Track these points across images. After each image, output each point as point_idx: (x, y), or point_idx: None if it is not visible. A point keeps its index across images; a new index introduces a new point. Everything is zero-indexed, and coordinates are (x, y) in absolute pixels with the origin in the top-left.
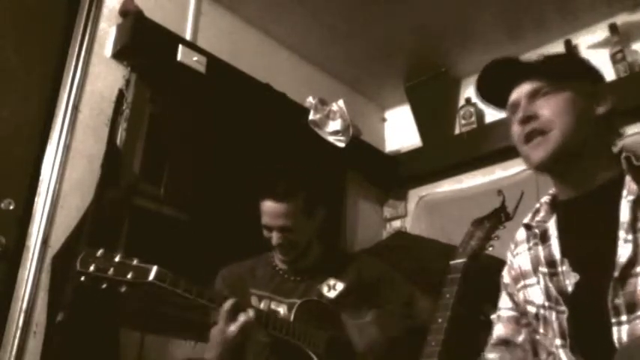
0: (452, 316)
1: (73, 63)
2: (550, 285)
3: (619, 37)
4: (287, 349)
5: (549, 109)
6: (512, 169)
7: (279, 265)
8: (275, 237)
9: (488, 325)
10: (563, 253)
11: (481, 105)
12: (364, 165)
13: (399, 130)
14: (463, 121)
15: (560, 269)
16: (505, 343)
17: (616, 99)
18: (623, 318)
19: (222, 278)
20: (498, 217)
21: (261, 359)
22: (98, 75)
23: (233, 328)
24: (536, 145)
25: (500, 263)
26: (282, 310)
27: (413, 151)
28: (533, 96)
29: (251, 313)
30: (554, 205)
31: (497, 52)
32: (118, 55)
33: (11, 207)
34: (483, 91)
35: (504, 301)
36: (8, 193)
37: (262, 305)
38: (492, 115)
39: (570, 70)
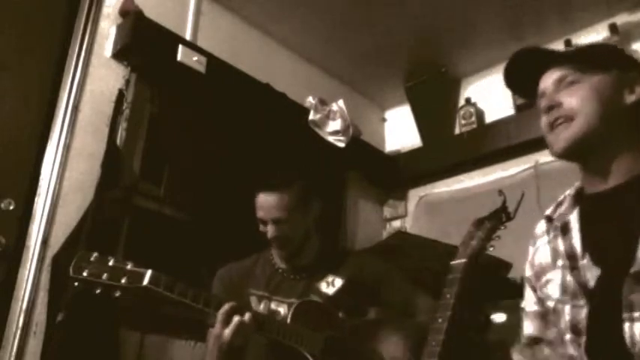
0: (452, 316)
1: (73, 63)
2: (568, 278)
3: (619, 37)
4: (283, 351)
5: (574, 96)
6: (512, 169)
7: (278, 264)
8: (270, 230)
9: (489, 325)
10: (585, 247)
11: (481, 105)
12: (364, 165)
13: (399, 130)
14: (463, 121)
15: (580, 263)
16: (535, 341)
17: None
18: (636, 314)
19: (219, 279)
20: (499, 218)
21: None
22: (98, 75)
23: (229, 331)
24: (559, 133)
25: (501, 263)
26: (282, 310)
27: (413, 151)
28: (558, 84)
29: (247, 315)
30: (579, 198)
31: (497, 52)
32: (118, 55)
33: (11, 207)
34: (511, 81)
35: (529, 296)
36: (8, 193)
37: (262, 306)
38: (492, 115)
39: (598, 58)
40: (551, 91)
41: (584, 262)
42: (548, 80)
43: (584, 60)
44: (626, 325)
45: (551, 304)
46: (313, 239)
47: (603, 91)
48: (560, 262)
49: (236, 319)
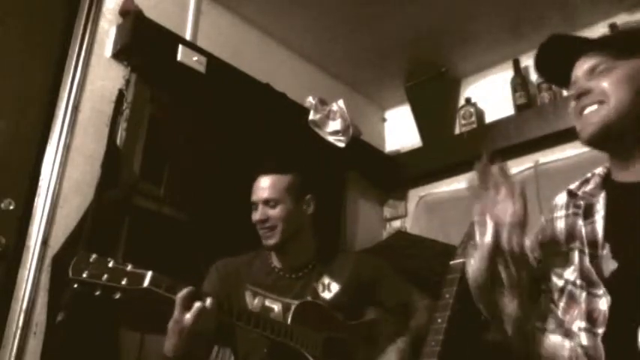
0: (451, 316)
1: (73, 63)
2: (587, 265)
3: None
4: (284, 352)
5: (605, 82)
6: (512, 169)
7: (275, 263)
8: (257, 212)
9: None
10: (606, 237)
11: (481, 105)
12: (364, 165)
13: (399, 130)
14: (463, 121)
15: (600, 252)
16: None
17: None
18: None
19: (216, 270)
20: None
21: (257, 358)
22: (98, 75)
23: (189, 316)
24: (588, 117)
25: None
26: (276, 307)
27: (413, 151)
28: (590, 72)
29: (209, 301)
30: (606, 182)
31: (497, 52)
32: (118, 55)
33: (11, 207)
34: (542, 68)
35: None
36: (8, 193)
37: (256, 301)
38: (492, 115)
39: (632, 44)
40: (583, 79)
41: (605, 252)
42: (580, 69)
43: (616, 48)
44: None
45: (559, 282)
46: (308, 237)
47: (636, 78)
48: (577, 245)
49: (197, 304)
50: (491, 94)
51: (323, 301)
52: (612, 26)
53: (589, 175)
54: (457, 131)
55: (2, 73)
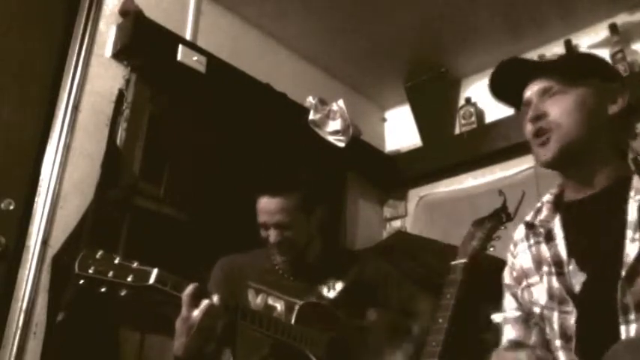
0: (452, 316)
1: (73, 63)
2: (555, 285)
3: (619, 37)
4: (287, 351)
5: (557, 108)
6: (512, 169)
7: (279, 263)
8: (272, 235)
9: (488, 326)
10: (570, 253)
11: (481, 105)
12: (364, 165)
13: (399, 130)
14: (463, 121)
15: (566, 269)
16: (517, 345)
17: (632, 97)
18: (632, 317)
19: (220, 267)
20: (499, 218)
21: (258, 357)
22: (98, 75)
23: (198, 313)
24: (543, 144)
25: (501, 263)
26: (279, 306)
27: (413, 151)
28: (543, 95)
29: (215, 298)
30: (558, 205)
31: (498, 52)
32: (118, 55)
33: (11, 207)
34: (496, 89)
35: (509, 302)
36: (8, 193)
37: (259, 299)
38: (492, 115)
39: (583, 69)
40: (537, 101)
41: (571, 268)
42: (533, 90)
43: (568, 71)
44: (622, 328)
45: (537, 309)
46: (316, 242)
47: (587, 102)
48: (545, 269)
49: (205, 301)
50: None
51: (327, 300)
52: (612, 26)
53: (539, 204)
54: (457, 131)
55: (2, 73)
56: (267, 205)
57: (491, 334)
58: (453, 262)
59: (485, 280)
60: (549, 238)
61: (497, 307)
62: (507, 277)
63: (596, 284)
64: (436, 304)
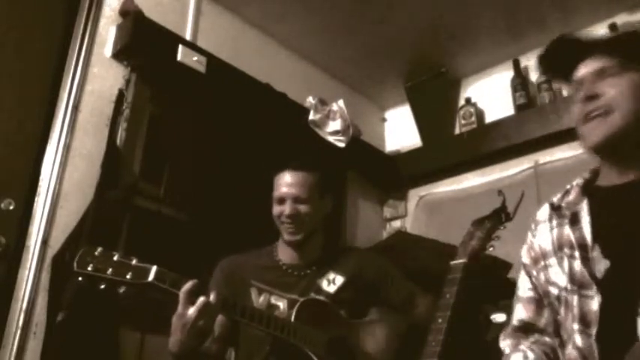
0: (452, 316)
1: (73, 63)
2: (577, 268)
3: None
4: (287, 349)
5: (613, 90)
6: (512, 169)
7: (281, 260)
8: (288, 208)
9: (489, 326)
10: (595, 239)
11: (481, 105)
12: (364, 165)
13: (399, 130)
14: (463, 121)
15: (591, 254)
16: (525, 328)
17: None
18: None
19: (220, 269)
20: (499, 218)
21: (259, 357)
22: (98, 75)
23: (193, 311)
24: (595, 127)
25: (501, 263)
26: (281, 304)
27: (413, 151)
28: (599, 75)
29: (212, 296)
30: (587, 189)
31: (498, 52)
32: (118, 55)
33: (11, 207)
34: (546, 64)
35: (523, 282)
36: (8, 193)
37: (262, 298)
38: (492, 115)
39: (638, 52)
40: (591, 81)
41: (595, 253)
42: (587, 69)
43: (626, 52)
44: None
45: (555, 290)
46: (320, 234)
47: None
48: (566, 251)
49: (201, 299)
50: (491, 94)
51: (327, 294)
52: (612, 26)
53: (568, 186)
54: (457, 131)
55: (2, 73)
56: (287, 178)
57: (491, 334)
58: (453, 262)
59: (485, 279)
60: (574, 221)
61: (497, 306)
62: (525, 256)
63: (620, 272)
64: (436, 303)
